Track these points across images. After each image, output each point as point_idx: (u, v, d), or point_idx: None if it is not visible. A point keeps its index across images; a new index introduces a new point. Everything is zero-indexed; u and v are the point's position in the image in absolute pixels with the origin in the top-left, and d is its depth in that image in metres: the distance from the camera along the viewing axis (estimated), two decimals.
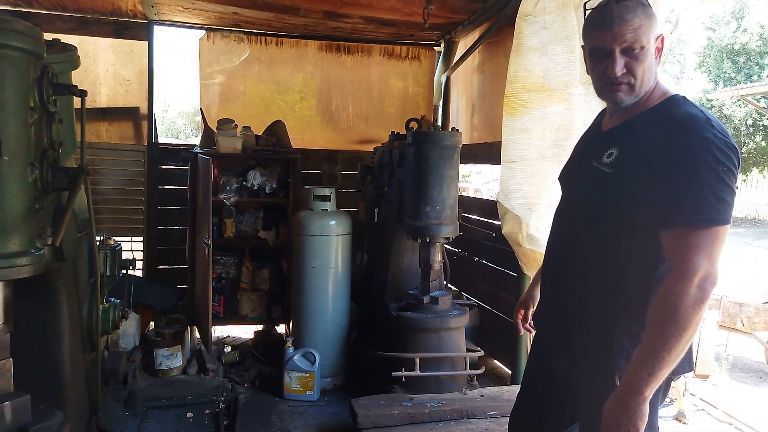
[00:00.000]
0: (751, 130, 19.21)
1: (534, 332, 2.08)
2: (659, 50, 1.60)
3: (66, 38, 2.62)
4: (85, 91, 2.10)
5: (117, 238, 3.18)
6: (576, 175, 1.82)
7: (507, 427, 2.15)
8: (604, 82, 1.62)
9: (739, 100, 16.33)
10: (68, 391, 2.16)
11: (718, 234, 1.42)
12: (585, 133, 1.93)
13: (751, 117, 18.76)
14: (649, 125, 1.56)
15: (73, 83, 2.11)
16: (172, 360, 3.99)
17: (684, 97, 1.59)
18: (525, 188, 3.44)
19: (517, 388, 2.13)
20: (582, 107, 3.20)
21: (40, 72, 1.80)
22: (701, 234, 1.41)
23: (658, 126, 1.54)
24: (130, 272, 3.24)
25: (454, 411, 3.20)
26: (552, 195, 3.22)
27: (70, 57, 2.45)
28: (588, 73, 1.71)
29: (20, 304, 1.83)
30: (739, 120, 18.99)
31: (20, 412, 1.71)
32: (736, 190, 1.47)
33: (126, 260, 3.09)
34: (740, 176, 20.29)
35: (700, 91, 20.25)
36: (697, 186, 1.41)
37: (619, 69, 1.56)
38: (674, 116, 1.52)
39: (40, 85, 1.80)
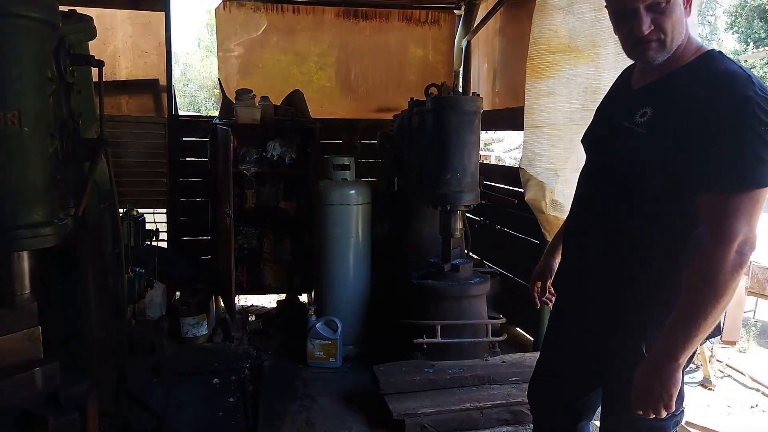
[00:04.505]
0: None
1: (554, 299, 2.04)
2: (688, 1, 1.52)
3: (83, 11, 2.59)
4: (103, 61, 2.08)
5: (140, 210, 3.21)
6: (603, 136, 1.74)
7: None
8: (632, 41, 1.55)
9: None
10: (96, 359, 2.21)
11: (759, 197, 1.36)
12: (610, 91, 1.84)
13: None
14: (687, 82, 1.48)
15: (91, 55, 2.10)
16: (198, 328, 4.07)
17: (721, 52, 1.51)
18: (551, 153, 3.36)
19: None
20: (612, 67, 3.06)
21: (56, 43, 1.79)
22: (741, 197, 1.36)
23: (697, 83, 1.46)
24: (154, 243, 3.29)
25: (476, 377, 3.22)
26: (580, 159, 3.15)
27: (86, 27, 2.43)
28: (615, 33, 1.64)
29: (47, 274, 1.86)
30: None
31: (50, 378, 1.76)
32: None
33: (149, 231, 3.12)
34: None
35: (730, 52, 19.52)
36: (737, 147, 1.35)
37: (646, 27, 1.49)
38: (714, 73, 1.45)
39: (57, 56, 1.79)
